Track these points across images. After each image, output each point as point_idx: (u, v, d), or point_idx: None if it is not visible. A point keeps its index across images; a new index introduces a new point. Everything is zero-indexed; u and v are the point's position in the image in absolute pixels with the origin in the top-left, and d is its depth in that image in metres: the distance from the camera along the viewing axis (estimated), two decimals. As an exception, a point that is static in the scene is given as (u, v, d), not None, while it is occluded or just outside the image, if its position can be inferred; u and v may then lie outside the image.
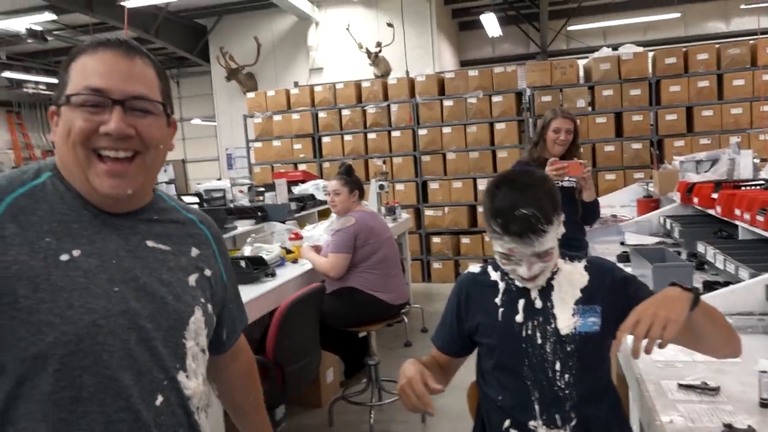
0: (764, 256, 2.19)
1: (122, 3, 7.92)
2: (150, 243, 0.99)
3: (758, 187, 2.85)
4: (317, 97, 7.23)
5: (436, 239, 6.90)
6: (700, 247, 2.56)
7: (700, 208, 3.13)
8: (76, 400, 0.86)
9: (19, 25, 9.15)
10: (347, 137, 7.11)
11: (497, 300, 1.50)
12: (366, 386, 3.54)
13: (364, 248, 3.27)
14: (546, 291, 1.48)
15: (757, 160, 3.67)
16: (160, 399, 0.93)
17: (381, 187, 5.15)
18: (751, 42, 6.21)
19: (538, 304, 1.46)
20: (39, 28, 9.35)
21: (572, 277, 1.49)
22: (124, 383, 0.90)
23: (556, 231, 1.42)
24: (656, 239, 3.30)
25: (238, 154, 9.96)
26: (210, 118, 13.56)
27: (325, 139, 7.20)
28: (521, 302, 1.47)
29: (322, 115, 7.17)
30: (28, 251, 0.86)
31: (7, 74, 12.72)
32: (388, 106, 6.98)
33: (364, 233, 3.28)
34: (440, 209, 6.83)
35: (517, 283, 1.49)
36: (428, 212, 6.90)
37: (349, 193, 3.46)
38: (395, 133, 6.94)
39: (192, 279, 1.03)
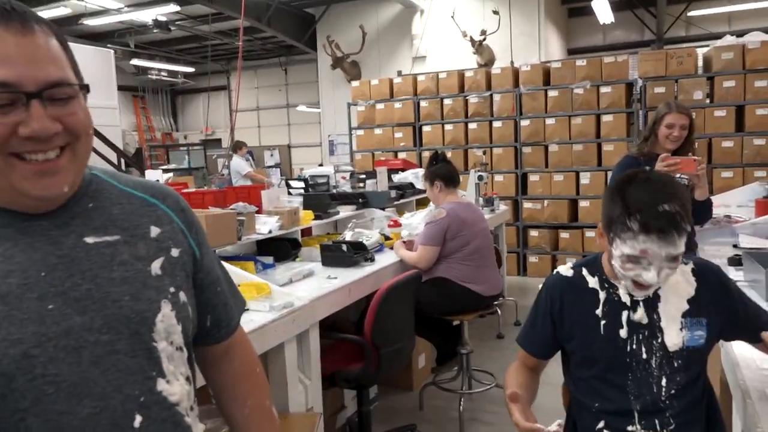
0: None
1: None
2: (90, 239, 0.82)
3: None
4: (420, 86, 7.29)
5: (533, 233, 6.79)
6: (825, 255, 2.38)
7: (827, 212, 2.90)
8: None
9: (147, 16, 9.92)
10: (448, 126, 7.13)
11: (598, 312, 1.44)
12: (457, 374, 3.61)
13: (456, 240, 3.31)
14: (652, 302, 1.42)
15: None
16: (138, 419, 0.80)
17: (480, 178, 5.15)
18: None
19: (644, 317, 1.41)
20: (164, 19, 10.08)
21: (679, 287, 1.43)
22: (83, 415, 0.76)
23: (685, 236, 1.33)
24: (773, 243, 3.10)
25: (340, 140, 10.26)
26: (315, 104, 14.02)
27: (426, 128, 7.26)
28: (625, 314, 1.42)
29: (423, 104, 7.23)
30: None
31: (135, 62, 13.80)
32: (491, 95, 6.92)
33: (455, 225, 3.31)
34: (539, 202, 6.71)
35: (621, 291, 1.44)
36: (527, 205, 6.80)
37: (430, 186, 3.51)
38: (496, 124, 6.88)
39: (156, 266, 0.87)
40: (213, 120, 16.79)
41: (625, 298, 1.43)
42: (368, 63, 9.85)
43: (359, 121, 7.70)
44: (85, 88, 0.82)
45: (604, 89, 6.34)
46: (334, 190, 4.45)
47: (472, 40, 8.14)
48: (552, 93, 6.59)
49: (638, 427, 1.39)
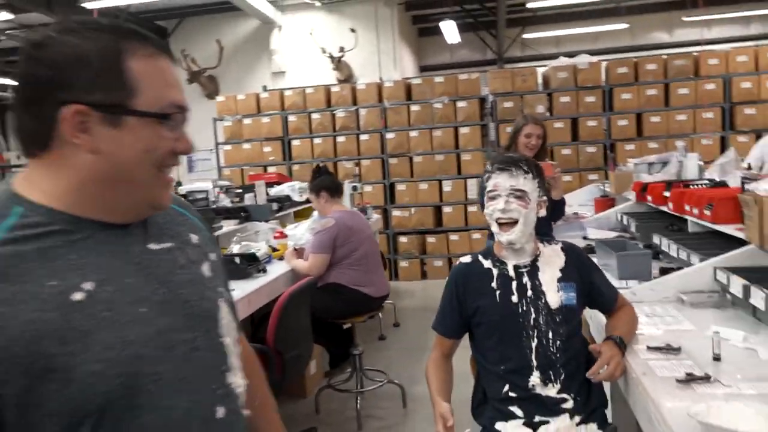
0: (711, 245, 2.50)
1: (84, 4, 7.90)
2: (152, 246, 0.87)
3: (704, 186, 3.20)
4: (287, 101, 7.38)
5: (403, 239, 7.15)
6: (656, 239, 2.88)
7: (653, 205, 3.46)
8: None
9: (-26, 24, 8.96)
10: (317, 140, 7.29)
11: (493, 284, 1.76)
12: (350, 375, 3.75)
13: (345, 247, 3.48)
14: (533, 272, 1.76)
15: (701, 163, 4.06)
16: (221, 411, 0.86)
17: (354, 188, 5.37)
18: (694, 54, 6.71)
19: (529, 284, 1.74)
20: (-5, 28, 9.18)
21: (551, 260, 1.78)
22: (184, 407, 0.82)
23: (534, 192, 1.74)
24: (615, 233, 3.63)
25: (199, 156, 9.95)
26: (169, 120, 13.49)
27: (295, 142, 7.36)
28: (514, 284, 1.74)
29: (291, 118, 7.33)
30: (37, 305, 0.73)
31: (-45, 74, 12.33)
32: (357, 110, 7.20)
33: (343, 233, 3.49)
34: (407, 210, 7.09)
35: (509, 266, 1.76)
36: (395, 213, 7.15)
37: (316, 197, 3.67)
38: (364, 137, 7.17)
39: (205, 269, 0.93)
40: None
41: (512, 273, 1.76)
42: (227, 78, 9.71)
43: (226, 136, 7.60)
44: None
45: (460, 104, 6.89)
46: (214, 206, 4.41)
47: (331, 56, 8.38)
48: (414, 107, 7.02)
49: (537, 380, 1.65)
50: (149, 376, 0.78)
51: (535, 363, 1.67)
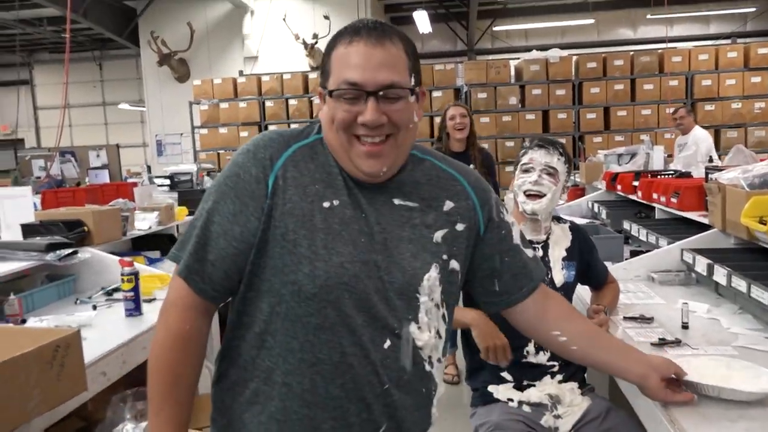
0: (677, 230, 2.72)
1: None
2: (396, 201, 1.04)
3: (670, 176, 3.44)
4: (264, 87, 7.43)
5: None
6: (626, 225, 3.10)
7: (622, 194, 3.69)
8: (320, 327, 0.98)
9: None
10: (294, 126, 7.35)
11: None
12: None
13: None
14: (544, 249, 1.91)
15: (666, 155, 4.32)
16: (388, 343, 1.00)
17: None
18: (659, 51, 7.02)
19: (539, 253, 1.88)
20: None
21: (560, 239, 1.93)
22: (358, 322, 0.98)
23: (563, 175, 1.87)
24: (587, 220, 3.85)
25: (169, 140, 9.87)
26: (137, 102, 13.28)
27: (272, 128, 7.41)
28: None
29: (269, 104, 7.39)
30: (300, 194, 0.99)
31: None
32: (334, 97, 7.29)
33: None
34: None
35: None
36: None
37: None
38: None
39: (438, 235, 1.06)
40: (12, 118, 15.05)
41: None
42: (198, 62, 9.62)
43: (203, 120, 7.61)
44: (415, 93, 1.02)
45: (436, 93, 7.06)
46: (199, 187, 4.48)
47: (304, 43, 8.40)
48: (390, 96, 7.14)
49: (532, 349, 1.82)
50: (344, 284, 0.98)
51: None
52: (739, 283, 1.81)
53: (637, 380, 1.22)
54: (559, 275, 1.88)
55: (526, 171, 1.87)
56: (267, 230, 0.98)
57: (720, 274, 1.95)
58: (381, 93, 0.97)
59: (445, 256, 1.06)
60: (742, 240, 2.16)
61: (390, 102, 0.98)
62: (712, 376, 1.29)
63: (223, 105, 7.50)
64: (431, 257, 1.04)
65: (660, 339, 1.66)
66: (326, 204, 1.00)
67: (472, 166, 3.57)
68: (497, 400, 1.82)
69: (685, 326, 1.78)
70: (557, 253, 1.91)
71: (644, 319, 1.85)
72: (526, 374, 1.82)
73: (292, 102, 7.36)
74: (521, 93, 7.02)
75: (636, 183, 3.42)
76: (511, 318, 1.23)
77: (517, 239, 1.17)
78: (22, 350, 1.53)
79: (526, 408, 1.78)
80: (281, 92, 7.40)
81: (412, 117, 1.03)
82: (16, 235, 2.97)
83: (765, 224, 1.88)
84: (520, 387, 1.83)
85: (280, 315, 0.99)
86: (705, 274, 2.07)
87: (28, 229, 2.91)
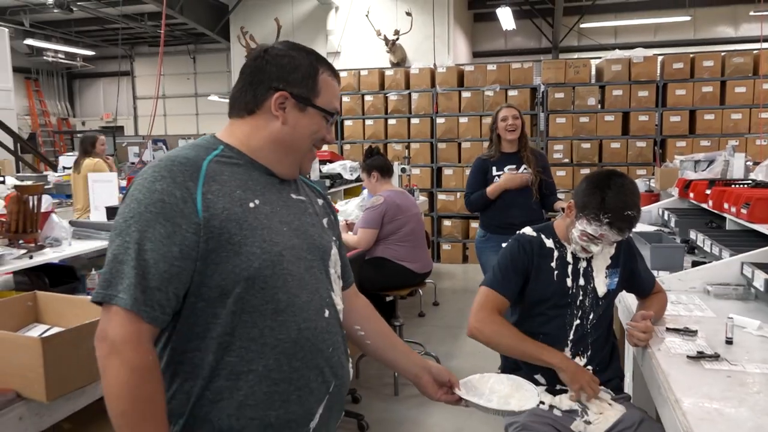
0: (745, 243, 2.60)
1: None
2: (293, 196, 1.23)
3: (747, 186, 3.27)
4: (342, 82, 7.58)
5: (446, 222, 7.33)
6: (692, 235, 2.98)
7: (694, 202, 3.55)
8: (276, 311, 1.10)
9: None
10: (368, 122, 7.50)
11: (552, 264, 1.89)
12: (390, 345, 3.99)
13: (393, 223, 3.70)
14: (588, 259, 1.91)
15: (750, 163, 4.08)
16: (327, 312, 1.18)
17: (403, 170, 5.58)
18: (754, 52, 6.59)
19: (582, 269, 1.89)
20: (66, -1, 9.66)
21: (605, 248, 1.88)
22: (303, 299, 1.14)
23: None
24: (654, 228, 3.73)
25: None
26: (226, 95, 13.91)
27: (347, 123, 7.60)
28: (570, 268, 1.89)
29: (345, 99, 7.56)
30: (230, 201, 1.09)
31: (29, 41, 13.01)
32: (409, 94, 7.37)
33: (392, 211, 3.70)
34: (453, 194, 7.25)
35: (568, 251, 1.89)
36: (441, 196, 7.32)
37: (368, 176, 3.89)
38: (414, 121, 7.34)
39: (324, 222, 1.29)
40: (113, 106, 16.14)
41: (570, 258, 1.90)
42: (285, 56, 9.93)
43: (282, 113, 7.88)
44: None
45: (511, 92, 6.97)
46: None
47: (385, 39, 8.52)
48: (465, 94, 7.14)
49: (568, 354, 1.83)
50: (285, 269, 1.12)
51: (571, 339, 1.85)
52: (794, 301, 1.74)
53: (412, 378, 1.44)
54: (602, 285, 1.88)
55: (592, 239, 1.79)
56: (209, 240, 1.06)
57: (777, 291, 1.88)
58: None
59: (334, 238, 1.30)
60: (807, 257, 2.06)
61: None
62: (499, 392, 1.46)
63: (302, 99, 7.73)
64: (329, 237, 1.27)
65: (698, 352, 1.63)
66: (251, 205, 1.12)
67: (524, 167, 3.55)
68: (529, 399, 1.84)
69: (729, 341, 1.73)
70: (601, 262, 1.90)
71: (688, 332, 1.81)
72: (558, 379, 1.83)
73: (368, 98, 7.49)
74: (601, 93, 6.81)
75: (708, 191, 3.28)
76: None
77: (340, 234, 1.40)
78: (93, 319, 1.72)
79: (556, 412, 1.79)
80: (358, 88, 7.54)
81: None
82: (102, 216, 3.26)
83: (828, 241, 1.79)
84: (552, 391, 1.84)
85: (237, 311, 1.08)
86: (763, 289, 1.99)
87: (112, 212, 3.19)
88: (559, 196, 3.89)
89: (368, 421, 3.23)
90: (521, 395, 1.47)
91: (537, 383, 1.86)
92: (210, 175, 1.10)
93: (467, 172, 7.18)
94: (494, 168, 3.63)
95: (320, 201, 1.33)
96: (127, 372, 0.99)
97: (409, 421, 3.33)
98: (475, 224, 7.22)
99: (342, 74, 7.63)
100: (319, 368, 1.15)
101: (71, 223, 2.94)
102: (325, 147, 1.28)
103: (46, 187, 5.92)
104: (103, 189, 3.48)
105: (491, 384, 1.51)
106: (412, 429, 3.25)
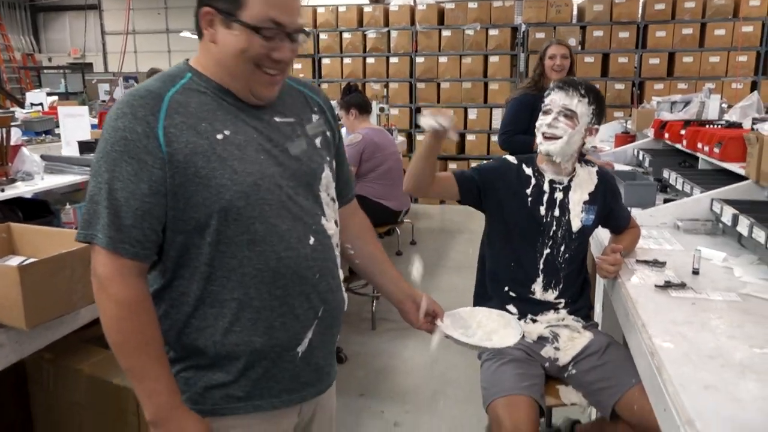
0: (715, 181, 2.65)
1: None
2: (277, 119, 1.16)
3: (720, 126, 3.31)
4: (319, 18, 7.40)
5: (425, 163, 7.31)
6: (665, 173, 3.04)
7: (669, 142, 3.59)
8: (252, 242, 1.08)
9: None
10: (347, 60, 7.36)
11: (528, 191, 1.91)
12: (367, 281, 4.05)
13: (370, 161, 3.69)
14: (565, 190, 1.93)
15: (725, 105, 4.12)
16: (312, 239, 1.15)
17: (381, 109, 5.53)
18: (736, -7, 6.56)
19: (558, 200, 1.91)
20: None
21: (584, 182, 1.93)
22: (283, 228, 1.11)
23: (586, 117, 1.85)
24: (629, 168, 3.78)
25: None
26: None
27: (325, 61, 7.44)
28: (546, 197, 1.91)
29: (323, 36, 7.38)
30: (194, 134, 1.06)
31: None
32: (388, 32, 7.22)
33: (369, 148, 3.68)
34: (431, 135, 7.21)
35: (546, 180, 1.91)
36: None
37: (346, 114, 3.85)
38: (393, 59, 7.22)
39: (318, 141, 1.22)
40: (81, 42, 15.54)
41: (547, 187, 1.91)
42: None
43: (258, 50, 7.68)
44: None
45: (492, 32, 6.87)
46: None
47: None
48: (445, 33, 7.02)
49: (540, 287, 1.88)
50: (262, 199, 1.09)
51: (542, 269, 1.89)
52: (759, 234, 1.80)
53: (396, 304, 1.45)
54: (576, 220, 1.90)
55: (545, 113, 1.88)
56: (176, 175, 1.04)
57: (743, 225, 1.94)
58: (294, 35, 1.08)
59: (328, 158, 1.24)
60: (774, 192, 2.12)
61: (296, 42, 1.10)
62: (484, 327, 1.51)
63: (279, 36, 7.53)
64: (321, 159, 1.21)
65: (666, 282, 1.69)
66: (219, 136, 1.08)
67: None
68: (503, 329, 1.90)
69: (695, 272, 1.79)
70: (578, 196, 1.92)
71: (657, 263, 1.87)
72: (531, 309, 1.89)
73: (346, 35, 7.32)
74: (582, 34, 6.75)
75: (683, 132, 3.32)
76: None
77: (343, 147, 1.36)
78: (69, 249, 1.71)
79: (528, 339, 1.86)
80: (335, 25, 7.36)
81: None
82: (74, 151, 3.20)
83: (795, 176, 1.84)
84: (523, 320, 1.90)
85: (213, 243, 1.07)
86: (730, 224, 2.05)
87: (84, 146, 3.13)
88: None
89: (346, 354, 3.32)
90: (506, 332, 1.49)
91: (509, 313, 1.91)
92: (173, 107, 1.06)
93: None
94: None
95: (315, 117, 1.24)
96: (114, 306, 1.05)
97: (385, 353, 3.43)
98: (453, 165, 7.24)
99: (319, 10, 7.45)
100: (304, 294, 1.15)
101: (43, 157, 2.88)
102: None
103: (14, 124, 5.74)
104: (74, 123, 3.39)
105: (479, 318, 1.53)
106: (388, 360, 3.35)
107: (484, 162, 2.02)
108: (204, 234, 1.07)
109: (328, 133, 1.26)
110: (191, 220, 1.07)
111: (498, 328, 1.50)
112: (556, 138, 1.84)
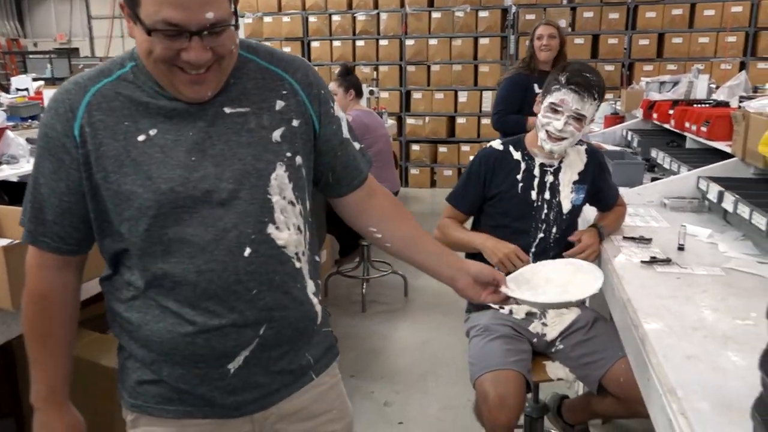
0: (702, 159, 2.67)
1: None
2: (227, 109, 1.02)
3: (708, 105, 3.32)
4: (308, 2, 7.33)
5: (415, 147, 7.32)
6: (653, 153, 3.05)
7: (658, 123, 3.60)
8: (166, 252, 0.99)
9: None
10: (336, 43, 7.30)
11: (518, 176, 1.92)
12: (358, 264, 4.07)
13: (361, 143, 3.68)
14: (556, 172, 1.93)
15: (713, 86, 4.13)
16: (248, 251, 1.01)
17: (371, 92, 5.49)
18: (725, -27, 6.54)
19: (549, 183, 1.92)
20: None
21: (574, 162, 1.94)
22: (207, 239, 0.99)
23: (593, 114, 1.85)
24: (618, 148, 3.79)
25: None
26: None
27: (314, 44, 7.38)
28: (536, 181, 1.92)
29: (312, 19, 7.31)
30: (111, 135, 0.98)
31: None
32: (378, 14, 7.16)
33: (360, 130, 3.65)
34: (421, 118, 7.20)
35: (536, 164, 1.92)
36: (410, 120, 7.27)
37: (345, 93, 3.82)
38: (383, 42, 7.17)
39: (276, 134, 1.05)
40: (67, 27, 15.33)
41: (537, 171, 1.92)
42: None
43: (246, 33, 7.60)
44: (236, 25, 0.98)
45: (482, 14, 6.83)
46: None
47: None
48: (435, 15, 6.97)
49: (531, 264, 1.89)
50: (180, 207, 0.98)
51: (533, 252, 1.90)
52: (744, 210, 1.82)
53: (447, 281, 1.28)
54: (567, 199, 1.91)
55: (555, 111, 1.82)
56: (91, 178, 0.99)
57: (728, 201, 1.95)
58: (205, 32, 0.92)
59: (288, 153, 1.06)
60: (759, 170, 2.13)
61: (214, 37, 0.93)
62: (556, 280, 1.37)
63: (267, 19, 7.46)
64: (275, 156, 1.04)
65: (651, 257, 1.70)
66: (141, 138, 0.98)
67: None
68: (490, 307, 1.91)
69: (681, 248, 1.81)
70: (568, 176, 1.93)
71: (642, 240, 1.88)
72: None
73: (335, 18, 7.25)
74: (572, 16, 6.73)
75: (672, 111, 3.33)
76: (334, 207, 1.27)
77: (346, 133, 1.19)
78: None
79: (516, 315, 1.87)
80: (325, 7, 7.29)
81: (235, 41, 0.98)
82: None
83: (780, 152, 1.85)
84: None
85: (131, 251, 1.02)
86: (716, 201, 2.07)
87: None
88: None
89: (336, 335, 3.32)
90: (583, 278, 1.38)
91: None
92: (95, 104, 0.98)
93: (436, 95, 7.17)
94: (536, 86, 3.51)
95: (281, 103, 1.06)
96: (26, 294, 1.08)
97: (376, 335, 3.45)
98: (443, 149, 7.23)
99: (308, -8, 7.36)
100: (236, 311, 1.02)
101: (29, 140, 2.85)
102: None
103: (-1, 108, 5.66)
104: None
105: (546, 273, 1.41)
106: (378, 342, 3.37)
107: (472, 159, 2.02)
108: (124, 240, 1.01)
109: (295, 122, 1.07)
110: (111, 223, 1.02)
111: (570, 278, 1.39)
112: (562, 139, 1.84)
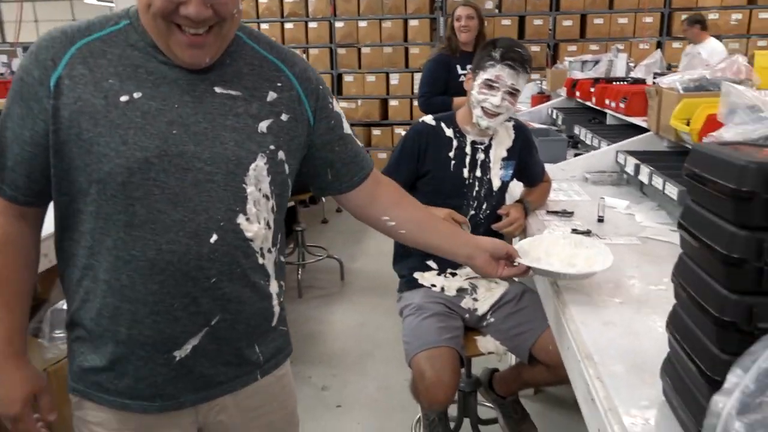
0: (622, 135, 2.77)
1: None
2: (218, 89, 0.99)
3: (626, 83, 3.45)
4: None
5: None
6: (576, 130, 3.15)
7: (580, 100, 3.72)
8: (129, 224, 0.95)
9: None
10: (264, 26, 7.13)
11: (450, 154, 1.93)
12: (293, 249, 4.03)
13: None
14: (486, 150, 1.96)
15: (632, 64, 4.30)
16: (215, 237, 0.97)
17: (301, 75, 5.41)
18: (641, -44, 6.79)
19: (480, 161, 1.95)
20: None
21: (503, 139, 1.98)
22: (175, 218, 0.96)
23: (524, 87, 1.89)
24: (544, 126, 3.89)
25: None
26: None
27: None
28: (468, 159, 1.95)
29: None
30: (92, 90, 0.93)
31: None
32: (306, -5, 7.04)
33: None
34: (354, 101, 7.16)
35: (467, 141, 1.94)
36: (342, 104, 7.20)
37: None
38: (312, 24, 7.06)
39: (263, 125, 1.02)
40: (-26, 10, 14.30)
41: (469, 149, 1.95)
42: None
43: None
44: None
45: (411, -6, 6.82)
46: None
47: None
48: (364, -4, 6.91)
49: None
50: (152, 179, 0.94)
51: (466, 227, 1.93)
52: (658, 181, 1.90)
53: (464, 260, 1.32)
54: (496, 178, 1.95)
55: (490, 87, 1.83)
56: (59, 132, 0.94)
57: (644, 174, 2.04)
58: None
59: (272, 147, 1.03)
60: (672, 143, 2.23)
61: None
62: (558, 254, 1.41)
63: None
64: (257, 147, 1.01)
65: (573, 230, 1.76)
66: (124, 98, 0.94)
67: None
68: (422, 286, 1.93)
69: (600, 219, 1.88)
70: (498, 152, 1.97)
71: (565, 213, 1.95)
72: (450, 264, 1.93)
73: (262, 0, 7.08)
74: (498, -3, 6.83)
75: (593, 89, 3.44)
76: (342, 203, 1.25)
77: (347, 129, 1.18)
78: None
79: (447, 292, 1.90)
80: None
81: (237, 5, 0.96)
82: None
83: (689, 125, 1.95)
84: (443, 274, 1.94)
85: (92, 213, 0.97)
86: (633, 173, 2.15)
87: None
88: None
89: (273, 323, 3.29)
90: (587, 253, 1.40)
91: (429, 268, 1.95)
92: (81, 56, 0.94)
93: (368, 78, 7.14)
94: (458, 66, 3.54)
95: (273, 95, 1.04)
96: None
97: (312, 319, 3.44)
98: (377, 131, 7.23)
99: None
100: (190, 297, 0.99)
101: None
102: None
103: None
104: None
105: (546, 246, 1.43)
106: (317, 326, 3.36)
107: (404, 134, 2.00)
108: (85, 200, 0.96)
109: (284, 117, 1.04)
110: (75, 182, 0.96)
111: (573, 250, 1.41)
112: (498, 115, 1.85)
